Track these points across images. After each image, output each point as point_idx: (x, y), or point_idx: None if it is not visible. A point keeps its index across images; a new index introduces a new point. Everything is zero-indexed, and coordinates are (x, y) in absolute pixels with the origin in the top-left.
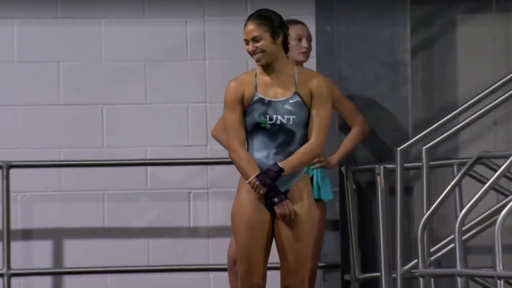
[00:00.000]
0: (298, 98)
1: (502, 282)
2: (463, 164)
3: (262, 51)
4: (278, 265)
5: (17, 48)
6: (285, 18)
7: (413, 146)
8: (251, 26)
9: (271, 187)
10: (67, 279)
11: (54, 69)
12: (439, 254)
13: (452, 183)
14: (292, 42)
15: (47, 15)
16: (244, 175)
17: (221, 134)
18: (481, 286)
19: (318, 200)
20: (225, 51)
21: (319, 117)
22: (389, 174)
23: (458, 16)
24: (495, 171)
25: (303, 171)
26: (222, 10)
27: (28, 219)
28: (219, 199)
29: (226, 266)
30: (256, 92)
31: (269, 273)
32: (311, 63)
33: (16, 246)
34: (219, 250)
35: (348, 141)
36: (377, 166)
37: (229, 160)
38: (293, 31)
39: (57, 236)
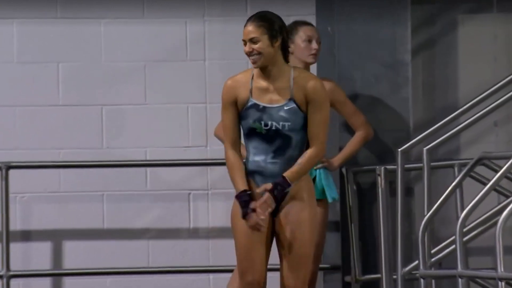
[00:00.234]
0: (293, 105)
1: (503, 283)
2: (464, 165)
3: (259, 53)
4: (278, 266)
5: (17, 48)
6: (289, 18)
7: (414, 147)
8: (250, 27)
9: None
10: (67, 280)
11: (53, 69)
12: (440, 255)
13: (453, 184)
14: (302, 44)
15: (47, 15)
16: (233, 183)
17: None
18: (482, 287)
19: (320, 200)
20: (225, 51)
21: (317, 122)
22: (390, 175)
23: (459, 16)
24: (496, 172)
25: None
26: (222, 10)
27: (27, 220)
28: (219, 200)
29: (226, 268)
30: (251, 97)
31: (269, 274)
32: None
33: (15, 247)
34: (219, 252)
35: (352, 144)
36: (377, 167)
37: None
38: (302, 33)
39: (57, 237)
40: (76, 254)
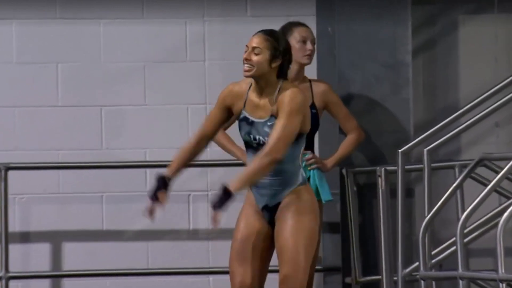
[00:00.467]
0: (274, 120)
1: (504, 285)
2: (465, 166)
3: (253, 64)
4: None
5: (16, 49)
6: (289, 19)
7: (414, 148)
8: (257, 37)
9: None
10: (66, 282)
11: (52, 70)
12: (441, 256)
13: (454, 185)
14: (296, 45)
15: (46, 16)
16: None
17: (219, 137)
18: None
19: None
20: (225, 52)
21: (277, 127)
22: (390, 176)
23: (460, 16)
24: (497, 173)
25: (296, 184)
26: (222, 10)
27: (27, 222)
28: None
29: (226, 269)
30: (243, 109)
31: (270, 275)
32: (311, 64)
33: (14, 249)
34: (218, 253)
35: (344, 147)
36: (378, 168)
37: (229, 162)
38: (297, 33)
39: (56, 238)
40: (76, 255)
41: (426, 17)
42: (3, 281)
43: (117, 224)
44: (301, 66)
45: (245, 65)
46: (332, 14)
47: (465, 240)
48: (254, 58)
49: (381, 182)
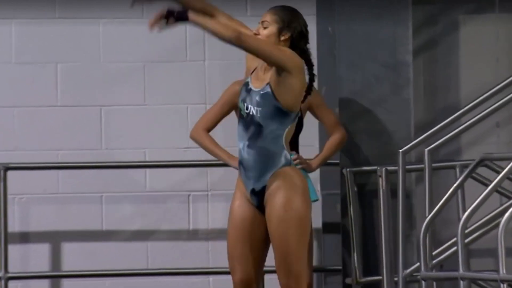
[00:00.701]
0: (268, 89)
1: (505, 285)
2: (466, 166)
3: (262, 38)
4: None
5: (15, 49)
6: None
7: (415, 148)
8: (266, 12)
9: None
10: (65, 282)
11: (52, 70)
12: (442, 257)
13: (455, 185)
14: None
15: (45, 16)
16: None
17: (204, 140)
18: None
19: None
20: (225, 52)
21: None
22: (391, 176)
23: (461, 16)
24: (498, 173)
25: (279, 165)
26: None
27: (26, 222)
28: (219, 201)
29: (225, 269)
30: (250, 75)
31: (270, 275)
32: None
33: (14, 249)
34: (218, 253)
35: (329, 147)
36: (378, 168)
37: None
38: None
39: (55, 239)
40: (75, 255)
41: (427, 17)
42: (3, 282)
43: (117, 224)
44: None
45: None
46: (332, 14)
47: (466, 240)
48: (263, 32)
49: (381, 182)
